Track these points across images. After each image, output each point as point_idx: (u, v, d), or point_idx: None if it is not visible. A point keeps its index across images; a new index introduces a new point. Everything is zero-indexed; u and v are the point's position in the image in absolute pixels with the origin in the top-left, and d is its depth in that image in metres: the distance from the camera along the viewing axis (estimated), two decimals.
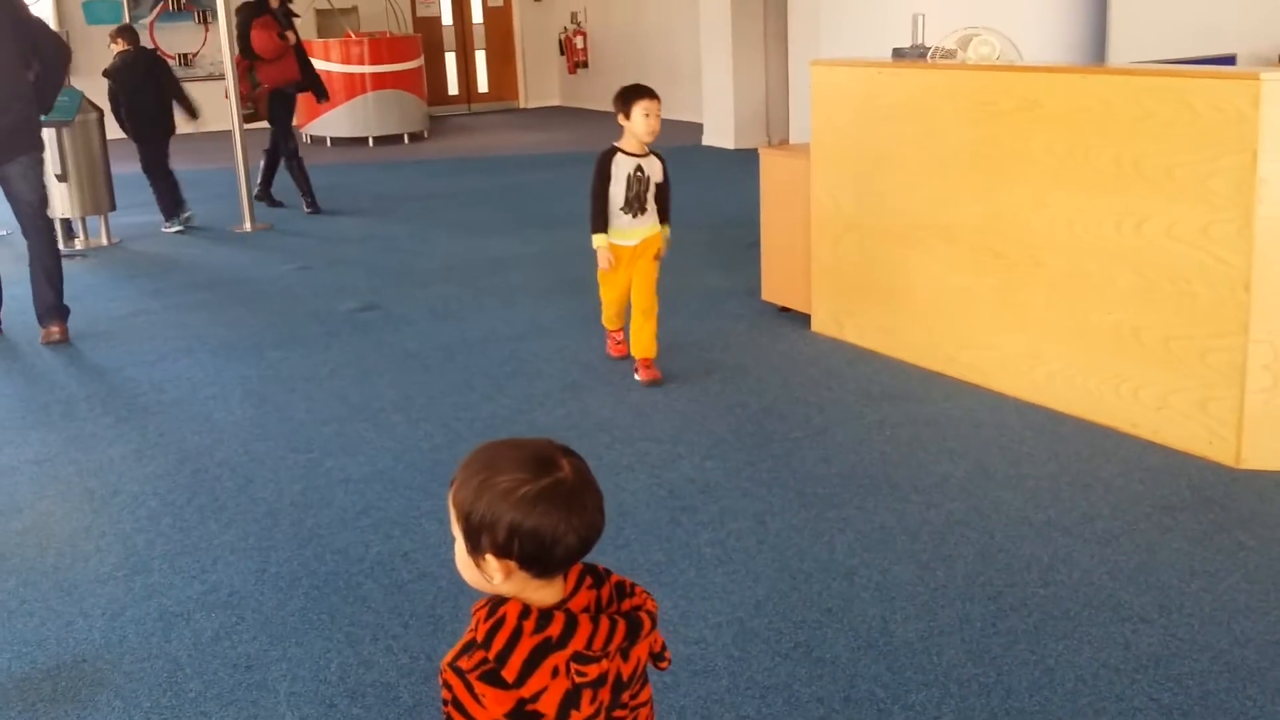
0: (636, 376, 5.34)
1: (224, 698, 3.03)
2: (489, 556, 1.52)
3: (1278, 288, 3.95)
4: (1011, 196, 4.83)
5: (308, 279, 7.74)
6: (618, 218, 5.26)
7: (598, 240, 5.31)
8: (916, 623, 3.24)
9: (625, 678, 1.59)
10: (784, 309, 6.34)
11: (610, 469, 4.37)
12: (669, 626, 3.23)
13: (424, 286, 7.35)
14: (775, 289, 6.38)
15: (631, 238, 5.31)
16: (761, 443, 4.58)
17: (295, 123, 10.34)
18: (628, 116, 5.16)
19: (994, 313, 4.98)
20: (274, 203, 10.34)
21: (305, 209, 10.06)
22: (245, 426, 5.01)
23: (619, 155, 5.22)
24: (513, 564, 1.52)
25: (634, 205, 5.24)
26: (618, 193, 5.21)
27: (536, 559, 1.51)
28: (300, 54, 10.11)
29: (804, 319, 6.12)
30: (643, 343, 5.33)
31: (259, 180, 10.30)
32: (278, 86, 9.84)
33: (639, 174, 5.22)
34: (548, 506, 1.50)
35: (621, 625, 1.57)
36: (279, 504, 4.22)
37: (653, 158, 5.28)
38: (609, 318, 5.65)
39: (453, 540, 1.60)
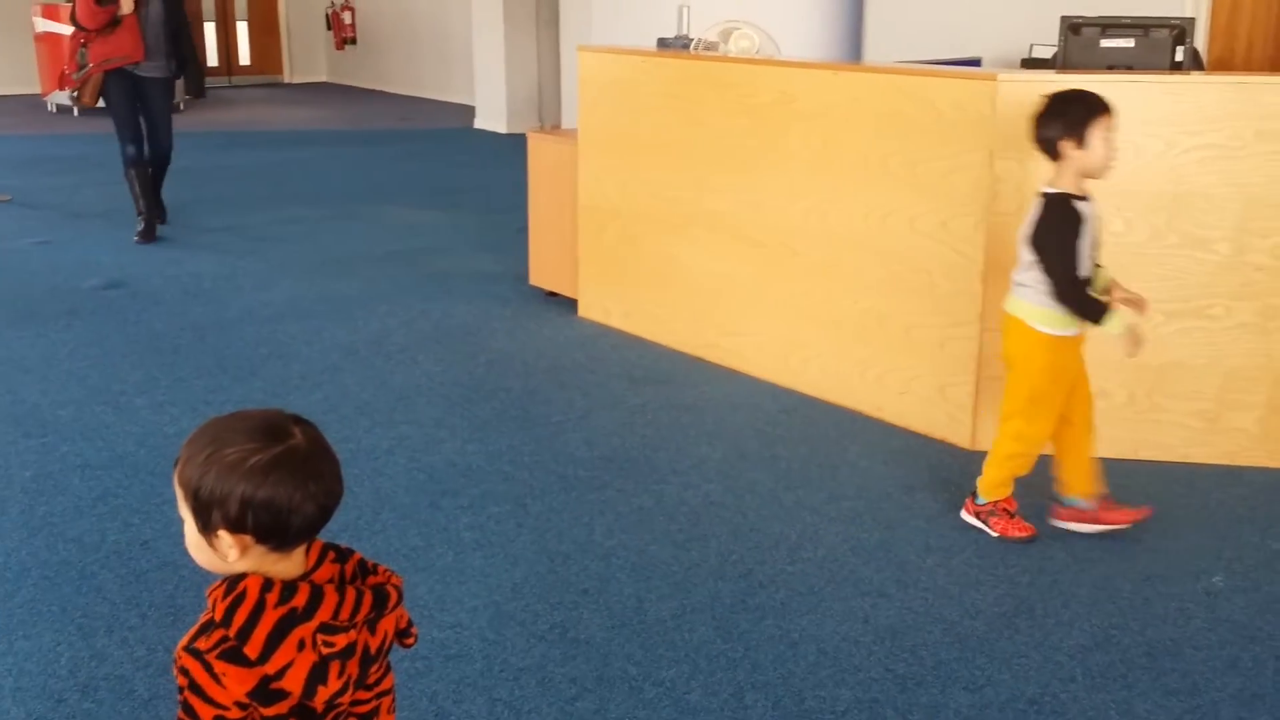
0: (1097, 527, 3.68)
1: None
2: (221, 533, 1.46)
3: (1007, 280, 4.18)
4: (769, 187, 4.96)
5: (48, 254, 7.29)
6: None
7: (1115, 322, 3.40)
8: (670, 601, 3.29)
9: (373, 651, 1.55)
10: (551, 294, 6.35)
11: (369, 454, 4.27)
12: (424, 612, 3.19)
13: (176, 264, 7.03)
14: (543, 274, 6.38)
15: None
16: (525, 426, 4.57)
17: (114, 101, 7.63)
18: (1079, 142, 3.37)
19: (753, 300, 5.11)
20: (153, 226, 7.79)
21: (136, 232, 7.65)
22: None
23: (1075, 201, 3.43)
24: (248, 539, 1.46)
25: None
26: (1083, 254, 3.45)
27: (273, 531, 1.45)
28: (155, 25, 7.53)
29: (571, 304, 6.14)
30: (1091, 471, 3.67)
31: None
32: (112, 65, 7.46)
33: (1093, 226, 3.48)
34: (281, 475, 1.45)
35: (368, 596, 1.53)
36: (7, 491, 3.95)
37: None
38: (1020, 467, 3.67)
39: (183, 523, 1.53)
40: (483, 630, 3.14)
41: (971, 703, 2.83)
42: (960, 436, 4.38)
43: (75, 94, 7.65)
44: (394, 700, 1.70)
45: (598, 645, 3.07)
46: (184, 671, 1.46)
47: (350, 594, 1.51)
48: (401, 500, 3.91)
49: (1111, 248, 4.09)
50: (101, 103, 7.66)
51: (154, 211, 7.80)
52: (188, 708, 1.46)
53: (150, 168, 7.78)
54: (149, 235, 7.66)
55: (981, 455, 3.81)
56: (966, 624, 3.18)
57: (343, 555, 1.59)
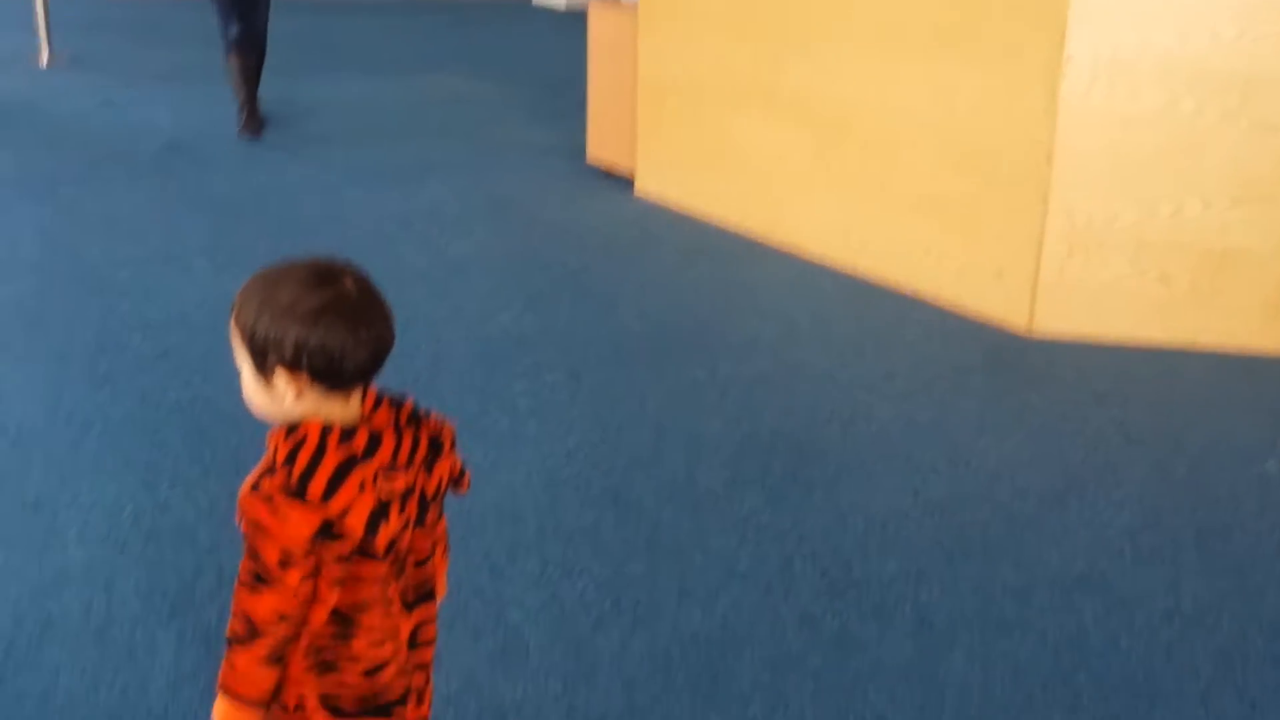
0: None
1: (9, 538, 2.91)
2: (278, 374, 1.47)
3: (1078, 161, 4.10)
4: (833, 62, 4.86)
5: (111, 115, 7.33)
6: None
7: None
8: (720, 472, 3.32)
9: (429, 494, 1.58)
10: (608, 170, 6.30)
11: (426, 321, 4.31)
12: (479, 475, 3.21)
13: (234, 127, 7.03)
14: (600, 150, 6.33)
15: None
16: (579, 299, 4.58)
17: None
18: None
19: (811, 179, 5.05)
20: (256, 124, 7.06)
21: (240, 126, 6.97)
22: (36, 266, 4.75)
23: None
24: (304, 379, 1.47)
25: None
26: None
27: (327, 373, 1.47)
28: None
29: (627, 180, 6.09)
30: None
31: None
32: None
33: None
34: (333, 319, 1.46)
35: (424, 440, 1.55)
36: (71, 346, 4.03)
37: None
38: None
39: (240, 371, 1.55)
40: (536, 494, 3.19)
41: (1018, 577, 2.85)
42: (1018, 320, 4.33)
43: None
44: (447, 545, 1.73)
45: (648, 512, 3.11)
46: (248, 514, 1.49)
47: (407, 437, 1.53)
48: (458, 367, 3.94)
49: (1181, 129, 4.00)
50: None
51: (257, 101, 7.02)
52: (253, 549, 1.48)
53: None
54: (254, 126, 6.92)
55: (1040, 341, 3.78)
56: (1016, 503, 3.19)
57: (396, 402, 1.61)
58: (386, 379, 1.55)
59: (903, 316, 4.48)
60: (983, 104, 4.32)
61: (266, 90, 7.44)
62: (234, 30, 6.81)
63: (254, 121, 6.90)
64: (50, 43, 9.02)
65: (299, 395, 1.49)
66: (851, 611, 2.70)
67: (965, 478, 3.31)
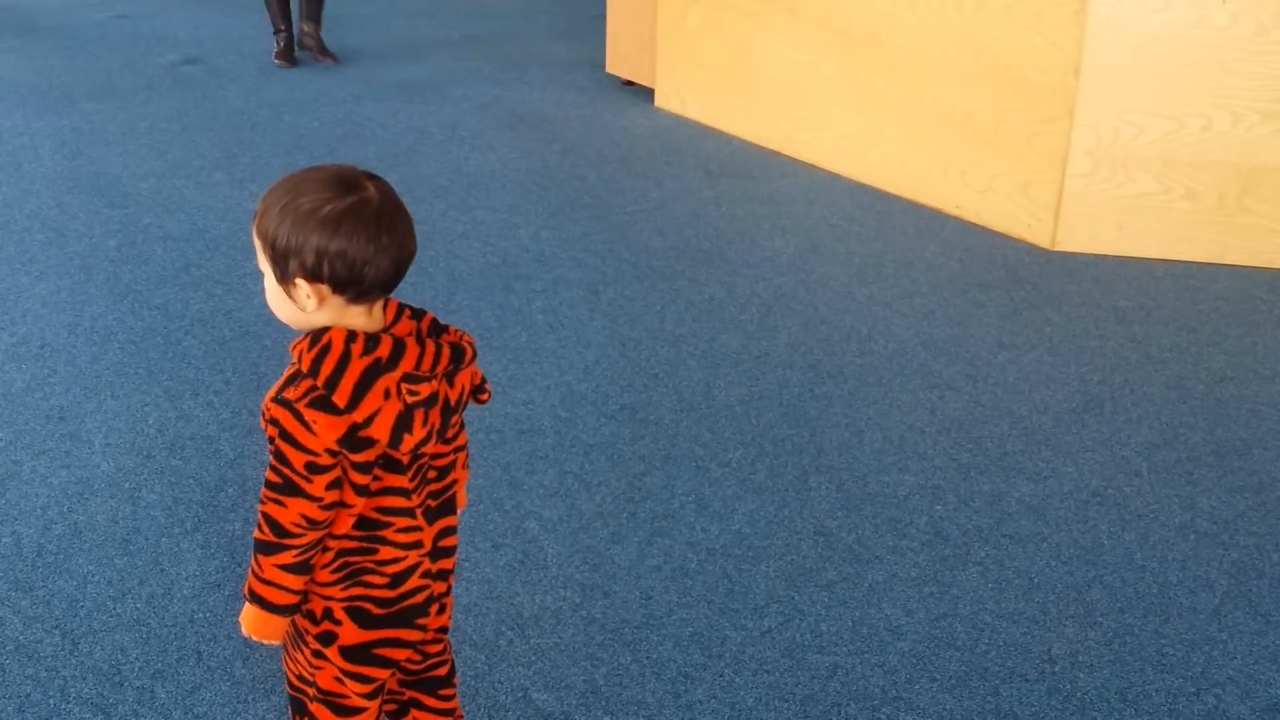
0: None
1: (35, 447, 2.95)
2: (299, 281, 1.47)
3: (1106, 74, 4.04)
4: None
5: (125, 28, 7.27)
6: None
7: None
8: (738, 388, 3.33)
9: (452, 403, 1.59)
10: (628, 82, 6.23)
11: (445, 236, 4.30)
12: (498, 389, 3.25)
13: (251, 41, 6.98)
14: (620, 62, 6.26)
15: None
16: (598, 214, 4.56)
17: None
18: None
19: (834, 92, 4.98)
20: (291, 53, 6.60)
21: (274, 53, 6.60)
22: (57, 179, 4.75)
23: None
24: (324, 287, 1.47)
25: None
26: None
27: (348, 282, 1.47)
28: None
29: (647, 93, 6.03)
30: None
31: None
32: None
33: None
34: (354, 225, 1.45)
35: (446, 349, 1.55)
36: (93, 259, 4.05)
37: None
38: None
39: (263, 278, 1.55)
40: (554, 408, 3.21)
41: (1034, 492, 2.86)
42: (1041, 236, 4.30)
43: None
44: (468, 456, 1.75)
45: (666, 426, 3.13)
46: (274, 422, 1.49)
47: (430, 346, 1.53)
48: (476, 283, 3.95)
49: (1211, 42, 3.93)
50: None
51: (292, 27, 6.60)
52: (280, 456, 1.50)
53: None
54: (288, 56, 6.54)
55: (1061, 256, 3.75)
56: (1034, 419, 3.19)
57: (417, 314, 1.61)
58: (404, 293, 1.55)
59: (924, 233, 4.45)
60: (1009, 16, 4.24)
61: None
62: None
63: (289, 52, 6.57)
64: None
65: (320, 303, 1.49)
66: (867, 525, 2.72)
67: (983, 394, 3.31)
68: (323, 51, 6.63)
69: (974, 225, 4.50)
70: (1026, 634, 2.39)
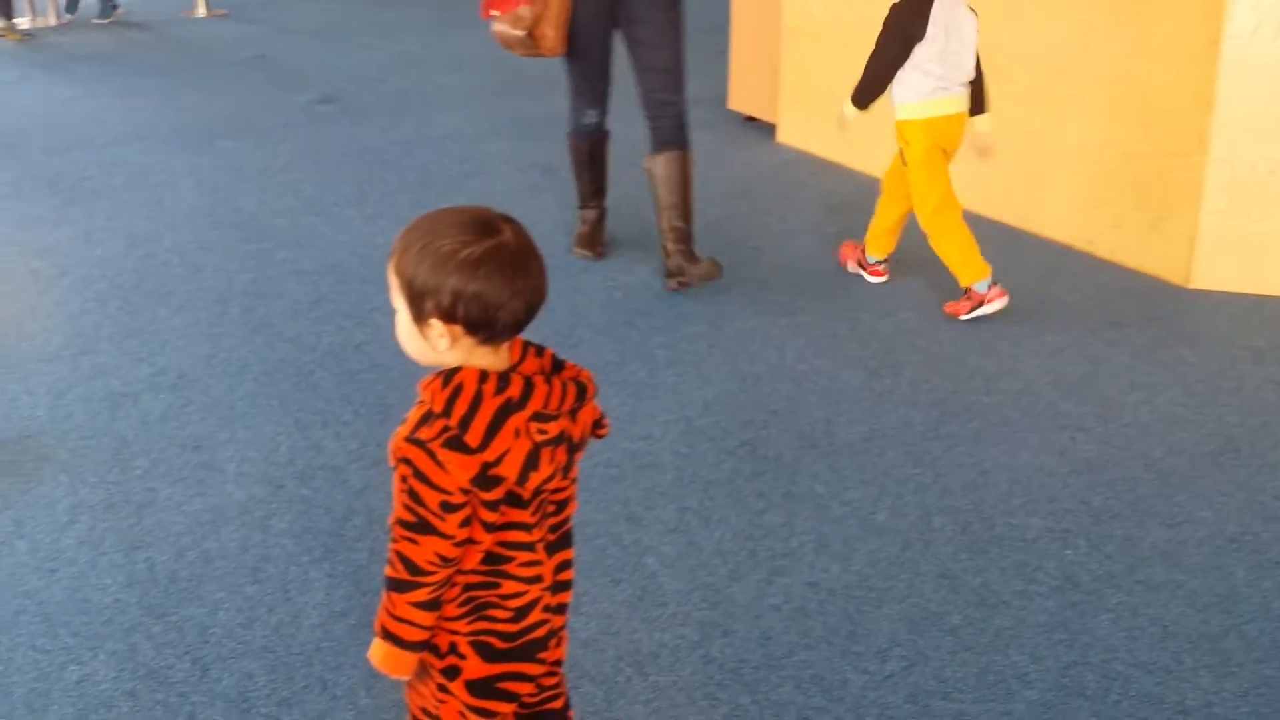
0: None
1: (171, 475, 3.05)
2: (434, 321, 1.50)
3: (1241, 108, 3.92)
4: (982, 6, 4.71)
5: (264, 68, 7.53)
6: None
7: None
8: (859, 425, 3.29)
9: (576, 440, 1.60)
10: (750, 118, 6.25)
11: (566, 271, 4.35)
12: (617, 424, 3.26)
13: (382, 81, 7.17)
14: (742, 98, 6.27)
15: None
16: (719, 250, 4.55)
17: None
18: None
19: None
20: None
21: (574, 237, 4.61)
22: (196, 214, 4.93)
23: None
24: (458, 329, 1.49)
25: None
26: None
27: (482, 324, 1.49)
28: None
29: (770, 129, 6.03)
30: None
31: None
32: None
33: None
34: (491, 269, 1.47)
35: (572, 388, 1.57)
36: (229, 292, 4.18)
37: None
38: None
39: (396, 314, 1.58)
40: (674, 443, 3.21)
41: (1168, 538, 2.76)
42: (1175, 273, 4.17)
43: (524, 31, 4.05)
44: (575, 498, 1.75)
45: (786, 463, 3.10)
46: (407, 461, 1.51)
47: (556, 385, 1.55)
48: (597, 317, 3.98)
49: None
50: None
51: (601, 211, 4.63)
52: (414, 495, 1.51)
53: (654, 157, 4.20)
54: (590, 243, 4.55)
55: (1197, 294, 3.64)
56: (1169, 461, 3.09)
57: (539, 351, 1.63)
58: (527, 328, 1.57)
59: (1053, 268, 4.36)
60: (1143, 49, 4.15)
61: (409, 45, 7.54)
62: (589, 117, 4.42)
63: (595, 240, 4.58)
64: None
65: (453, 344, 1.51)
66: (994, 569, 2.66)
67: (1115, 435, 3.22)
68: (699, 269, 4.16)
69: (1105, 261, 4.39)
70: (1160, 684, 2.31)
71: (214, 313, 4.01)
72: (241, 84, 7.12)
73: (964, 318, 3.92)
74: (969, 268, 3.90)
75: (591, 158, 4.51)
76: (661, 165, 4.16)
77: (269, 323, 3.94)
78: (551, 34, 4.02)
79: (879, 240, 4.24)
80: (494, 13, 4.08)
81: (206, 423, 3.31)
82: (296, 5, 9.60)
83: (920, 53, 3.84)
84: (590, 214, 4.60)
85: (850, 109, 4.05)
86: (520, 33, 4.00)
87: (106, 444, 3.20)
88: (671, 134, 4.16)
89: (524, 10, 3.96)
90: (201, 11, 9.22)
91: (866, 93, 3.99)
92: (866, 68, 3.96)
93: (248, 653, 2.40)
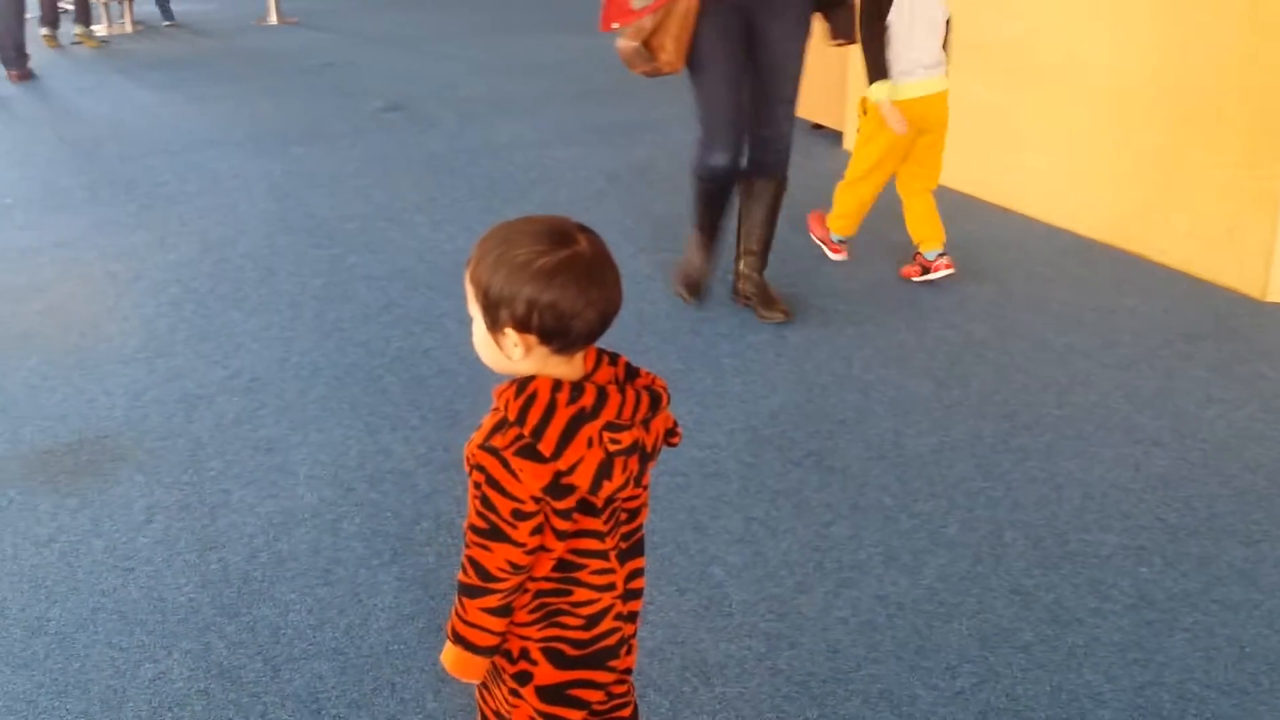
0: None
1: (244, 477, 3.09)
2: (508, 330, 1.50)
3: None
4: (1054, 14, 4.66)
5: (334, 76, 7.62)
6: None
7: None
8: (929, 437, 3.26)
9: (648, 449, 1.60)
10: (816, 126, 6.22)
11: (632, 278, 4.35)
12: (684, 432, 3.24)
13: (450, 88, 7.23)
14: (808, 105, 6.22)
15: None
16: (786, 259, 4.54)
17: None
18: None
19: (1030, 133, 4.87)
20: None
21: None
22: (269, 219, 4.99)
23: None
24: (532, 338, 1.50)
25: None
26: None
27: (556, 333, 1.49)
28: None
29: (836, 136, 6.00)
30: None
31: None
32: None
33: None
34: (566, 279, 1.47)
35: (645, 397, 1.57)
36: (301, 296, 4.23)
37: None
38: None
39: (470, 323, 1.59)
40: (740, 452, 3.20)
41: (1246, 556, 2.71)
42: (1251, 285, 4.10)
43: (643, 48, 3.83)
44: (647, 506, 1.75)
45: (854, 474, 3.08)
46: (480, 469, 1.52)
47: (630, 394, 1.55)
48: (663, 325, 3.98)
49: None
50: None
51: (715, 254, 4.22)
52: (486, 502, 1.52)
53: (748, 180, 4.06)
54: (693, 286, 4.21)
55: (1274, 307, 3.57)
56: (1246, 477, 3.03)
57: (613, 359, 1.63)
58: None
59: (1126, 279, 4.30)
60: (1217, 57, 4.08)
61: (476, 52, 7.59)
62: (720, 158, 3.94)
63: (697, 287, 4.22)
64: (278, 3, 9.42)
65: (527, 352, 1.52)
66: (1066, 585, 2.62)
67: (1191, 450, 3.17)
68: (766, 303, 4.08)
69: (1180, 273, 4.32)
70: (1237, 706, 2.26)
71: (286, 317, 4.07)
72: (312, 91, 7.22)
73: (814, 239, 4.54)
74: (842, 221, 4.45)
75: (718, 197, 4.08)
76: (759, 188, 4.06)
77: (339, 327, 3.98)
78: (670, 46, 3.75)
79: (921, 232, 4.33)
80: (615, 25, 3.83)
81: (279, 425, 3.35)
82: (365, 12, 9.72)
83: (887, 37, 4.08)
84: (706, 252, 4.19)
85: (876, 91, 4.17)
86: (638, 44, 3.78)
87: (182, 445, 3.25)
88: (776, 164, 4.03)
89: (647, 21, 3.73)
90: (273, 19, 9.35)
91: (870, 74, 4.18)
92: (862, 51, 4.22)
93: (319, 654, 2.43)
